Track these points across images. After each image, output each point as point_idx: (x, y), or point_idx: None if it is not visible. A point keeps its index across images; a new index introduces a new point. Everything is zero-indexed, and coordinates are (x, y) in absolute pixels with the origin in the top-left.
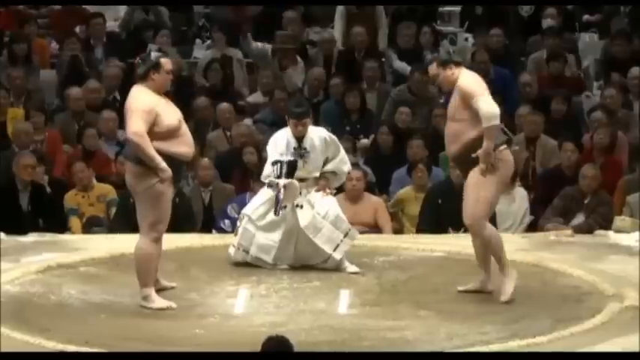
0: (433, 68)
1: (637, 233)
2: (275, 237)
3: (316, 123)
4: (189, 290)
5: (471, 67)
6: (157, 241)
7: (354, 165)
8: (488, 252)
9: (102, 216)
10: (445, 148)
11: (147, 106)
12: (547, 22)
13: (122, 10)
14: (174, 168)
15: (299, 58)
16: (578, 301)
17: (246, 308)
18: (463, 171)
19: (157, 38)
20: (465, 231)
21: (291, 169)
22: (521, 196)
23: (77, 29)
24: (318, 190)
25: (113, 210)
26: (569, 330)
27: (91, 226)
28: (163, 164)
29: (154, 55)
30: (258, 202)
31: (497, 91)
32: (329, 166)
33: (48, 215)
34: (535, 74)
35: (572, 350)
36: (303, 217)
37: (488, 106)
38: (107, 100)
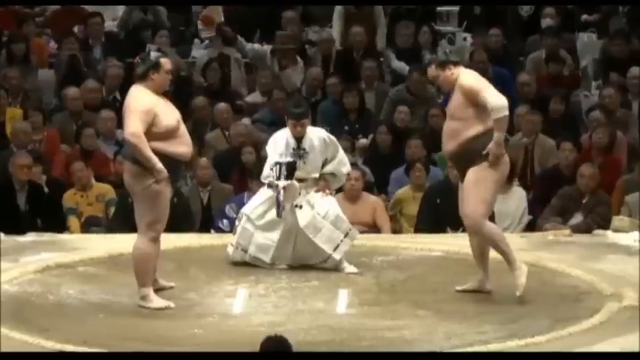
0: (432, 70)
1: (635, 233)
2: (274, 237)
3: (314, 123)
4: (187, 290)
5: (469, 67)
6: (155, 240)
7: (353, 165)
8: (487, 251)
9: (100, 216)
10: (442, 145)
11: (145, 106)
12: (546, 22)
13: (120, 9)
14: (173, 168)
15: (299, 58)
16: (576, 300)
17: (245, 308)
18: (460, 169)
19: (155, 38)
20: (464, 230)
21: (290, 170)
22: (519, 195)
23: (75, 29)
24: (317, 191)
25: (112, 210)
26: (567, 330)
27: (89, 225)
28: (159, 165)
29: (153, 55)
30: (257, 202)
31: None
32: (328, 168)
33: (46, 215)
34: (533, 74)
35: (570, 350)
36: (303, 216)
37: (496, 98)
38: (107, 99)
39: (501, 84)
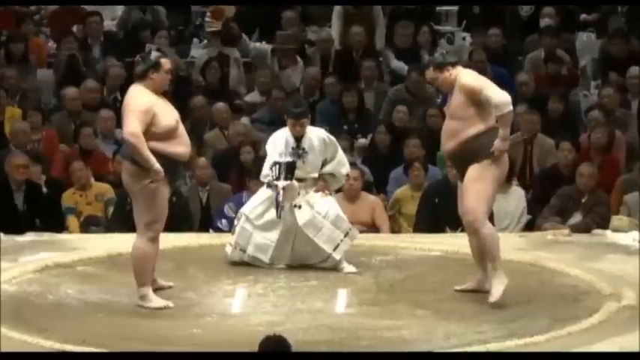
0: (430, 72)
1: (634, 232)
2: (272, 236)
3: (313, 122)
4: (186, 290)
5: (468, 67)
6: (154, 240)
7: (352, 164)
8: (485, 250)
9: (100, 215)
10: (441, 145)
11: (144, 106)
12: (545, 22)
13: (119, 9)
14: (171, 168)
15: (299, 58)
16: (575, 300)
17: (244, 307)
18: (459, 169)
19: (154, 38)
20: (462, 230)
21: (290, 170)
22: (518, 195)
23: (74, 28)
24: (317, 191)
25: (111, 209)
26: (566, 329)
27: (88, 225)
28: (157, 165)
29: (153, 54)
30: (257, 202)
31: None
32: (327, 168)
33: (44, 215)
34: (532, 73)
35: (569, 349)
36: (302, 216)
37: (499, 94)
38: (107, 99)
39: (500, 84)
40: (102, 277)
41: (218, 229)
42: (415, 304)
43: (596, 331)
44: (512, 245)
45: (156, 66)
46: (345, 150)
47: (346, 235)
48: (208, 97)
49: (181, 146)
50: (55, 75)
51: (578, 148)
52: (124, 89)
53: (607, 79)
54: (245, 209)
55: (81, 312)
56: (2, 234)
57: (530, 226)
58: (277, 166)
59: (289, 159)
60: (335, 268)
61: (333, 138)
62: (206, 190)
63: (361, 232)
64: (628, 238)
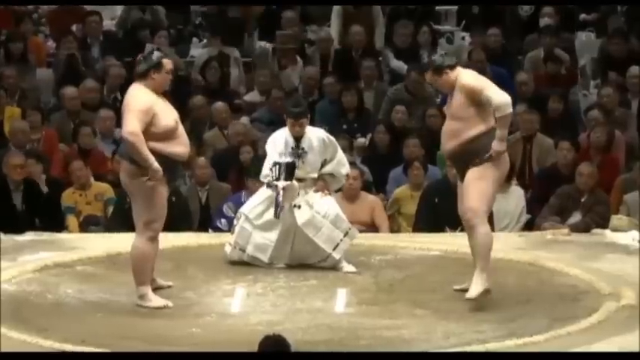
0: (429, 75)
1: (634, 232)
2: (272, 236)
3: (312, 122)
4: (185, 289)
5: (467, 66)
6: (153, 239)
7: (351, 164)
8: (477, 249)
9: (99, 215)
10: (441, 145)
11: (144, 105)
12: (544, 21)
13: (119, 8)
14: (170, 167)
15: (298, 58)
16: (574, 300)
17: (243, 307)
18: (459, 169)
19: (154, 37)
20: (462, 230)
21: (290, 171)
22: (518, 194)
23: (74, 28)
24: (316, 191)
25: (110, 209)
26: (565, 329)
27: (88, 224)
28: (156, 165)
29: (155, 54)
30: (256, 201)
31: None
32: (327, 168)
33: (43, 214)
34: (532, 73)
35: (569, 349)
36: (301, 216)
37: (499, 95)
38: (106, 99)
39: (500, 83)
40: (101, 276)
41: (217, 229)
42: (414, 303)
43: (595, 330)
44: (511, 245)
45: (157, 66)
46: (344, 149)
47: (346, 234)
48: (208, 96)
49: (180, 146)
50: (54, 74)
51: (578, 147)
52: (123, 89)
53: (606, 78)
54: (244, 209)
55: (80, 311)
56: (2, 233)
57: (529, 226)
58: (277, 166)
59: (289, 159)
60: (334, 267)
61: (332, 138)
62: (205, 190)
63: (360, 231)
64: (627, 238)
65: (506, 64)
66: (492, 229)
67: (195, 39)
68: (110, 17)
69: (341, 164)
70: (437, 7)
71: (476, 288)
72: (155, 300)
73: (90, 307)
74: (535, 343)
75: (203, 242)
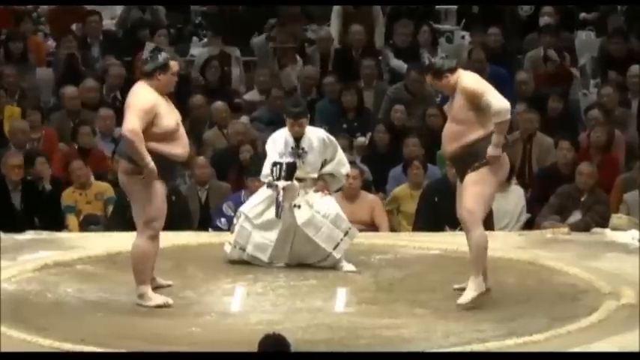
0: (429, 78)
1: (633, 231)
2: (271, 236)
3: (312, 121)
4: (185, 288)
5: (467, 66)
6: (154, 238)
7: (351, 163)
8: (471, 253)
9: (99, 214)
10: (441, 146)
11: (147, 105)
12: (544, 20)
13: (119, 8)
14: (168, 167)
15: (298, 57)
16: (574, 299)
17: (243, 306)
18: (459, 171)
19: (154, 37)
20: (462, 229)
21: (290, 170)
22: (518, 194)
23: (74, 27)
24: (316, 191)
25: (110, 208)
26: (565, 328)
27: (88, 224)
28: (152, 165)
29: (163, 55)
30: (256, 201)
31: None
32: (327, 168)
33: (43, 213)
34: (532, 72)
35: (568, 348)
36: (301, 216)
37: (498, 101)
38: (106, 98)
39: (499, 83)
40: (101, 275)
41: (217, 228)
42: (414, 302)
43: (595, 329)
44: (511, 244)
45: (164, 67)
46: (344, 149)
47: (346, 234)
48: (207, 95)
49: (180, 148)
50: (54, 74)
51: (578, 147)
52: (123, 88)
53: (606, 78)
54: (244, 208)
55: (80, 311)
56: (1, 233)
57: (529, 225)
58: (277, 166)
59: (289, 159)
60: (334, 266)
61: (333, 138)
62: (205, 189)
63: (360, 231)
64: (627, 237)
65: (506, 64)
66: (492, 228)
67: (195, 38)
68: (110, 17)
69: (341, 164)
70: (437, 7)
71: (469, 294)
72: (155, 298)
73: (90, 306)
74: (535, 342)
75: (203, 241)
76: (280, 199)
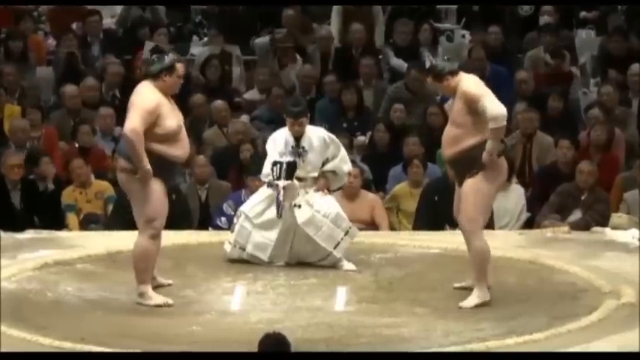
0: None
1: (634, 230)
2: (271, 236)
3: (312, 120)
4: (185, 287)
5: (467, 64)
6: (155, 237)
7: (351, 162)
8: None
9: (99, 213)
10: (442, 146)
11: (151, 105)
12: (544, 19)
13: (119, 7)
14: (166, 168)
15: (298, 56)
16: (574, 298)
17: (243, 305)
18: (457, 175)
19: (154, 35)
20: None
21: (290, 170)
22: (518, 193)
23: (74, 26)
24: (317, 190)
25: (110, 207)
26: (565, 327)
27: (88, 223)
28: (148, 167)
29: (170, 57)
30: (256, 200)
31: (493, 89)
32: (329, 166)
33: (43, 212)
34: (531, 71)
35: (568, 347)
36: (302, 215)
37: (495, 107)
38: (106, 97)
39: (499, 81)
40: (101, 274)
41: (217, 227)
42: (414, 301)
43: (595, 328)
44: (511, 243)
45: (170, 69)
46: (344, 148)
47: (346, 233)
48: (208, 94)
49: (180, 150)
50: (54, 72)
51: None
52: (122, 87)
53: (606, 76)
54: (245, 207)
55: (80, 310)
56: (1, 231)
57: (529, 224)
58: (278, 165)
59: (290, 158)
60: (334, 265)
61: (334, 137)
62: (205, 188)
63: (360, 229)
64: (627, 236)
65: (506, 62)
66: (493, 227)
67: (195, 37)
68: (110, 15)
69: (343, 161)
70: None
71: (473, 300)
72: (155, 298)
73: (89, 305)
74: (535, 341)
75: (203, 240)
76: (281, 198)
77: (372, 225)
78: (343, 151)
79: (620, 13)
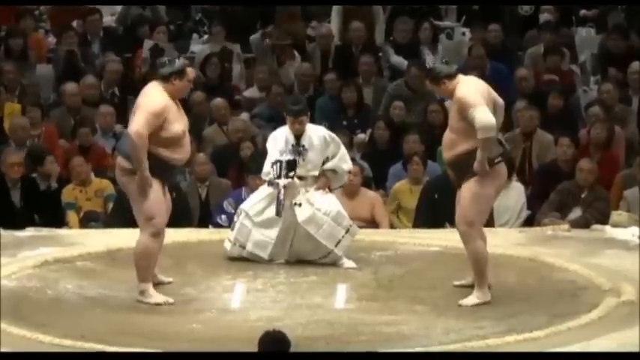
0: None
1: (634, 228)
2: (272, 234)
3: (312, 118)
4: (185, 285)
5: (467, 62)
6: (156, 236)
7: (351, 160)
8: (472, 265)
9: (99, 211)
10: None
11: (158, 108)
12: (544, 17)
13: (119, 5)
14: (167, 168)
15: (297, 54)
16: (574, 295)
17: (243, 303)
18: (456, 177)
19: (153, 33)
20: None
21: (290, 168)
22: (518, 191)
23: (74, 24)
24: (318, 189)
25: (110, 205)
26: (565, 325)
27: (88, 220)
28: (147, 173)
29: (181, 61)
30: (257, 198)
31: (493, 86)
32: (329, 165)
33: (43, 210)
34: (532, 69)
35: (568, 345)
36: (302, 213)
37: (483, 117)
38: (105, 94)
39: (499, 79)
40: (101, 272)
41: (217, 225)
42: (414, 299)
43: (595, 326)
44: (511, 240)
45: (180, 73)
46: (344, 145)
47: (347, 231)
48: (207, 92)
49: (181, 154)
50: (54, 70)
51: (578, 143)
52: (121, 84)
53: (606, 74)
54: (245, 206)
55: (80, 307)
56: (1, 229)
57: (529, 222)
58: (278, 164)
59: (290, 157)
60: (334, 263)
61: (334, 135)
62: (205, 186)
63: (360, 227)
64: (627, 234)
65: (506, 60)
66: (493, 225)
67: (195, 35)
68: (110, 13)
69: (343, 160)
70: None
71: (473, 300)
72: (156, 296)
73: (89, 302)
74: (535, 338)
75: (203, 238)
76: (281, 196)
77: (372, 223)
78: (343, 150)
79: (619, 11)
